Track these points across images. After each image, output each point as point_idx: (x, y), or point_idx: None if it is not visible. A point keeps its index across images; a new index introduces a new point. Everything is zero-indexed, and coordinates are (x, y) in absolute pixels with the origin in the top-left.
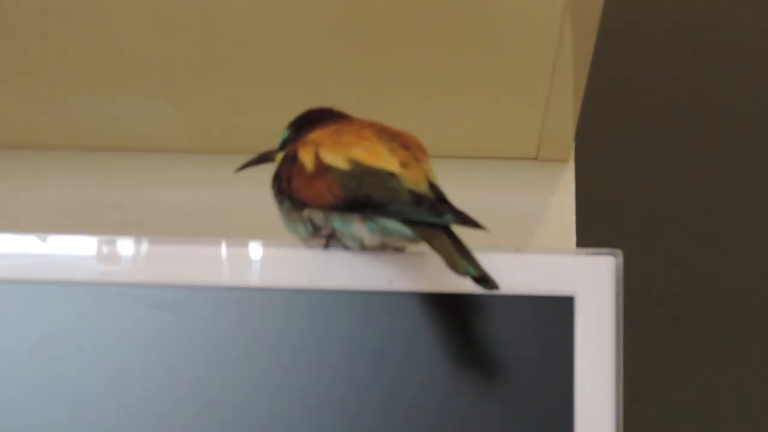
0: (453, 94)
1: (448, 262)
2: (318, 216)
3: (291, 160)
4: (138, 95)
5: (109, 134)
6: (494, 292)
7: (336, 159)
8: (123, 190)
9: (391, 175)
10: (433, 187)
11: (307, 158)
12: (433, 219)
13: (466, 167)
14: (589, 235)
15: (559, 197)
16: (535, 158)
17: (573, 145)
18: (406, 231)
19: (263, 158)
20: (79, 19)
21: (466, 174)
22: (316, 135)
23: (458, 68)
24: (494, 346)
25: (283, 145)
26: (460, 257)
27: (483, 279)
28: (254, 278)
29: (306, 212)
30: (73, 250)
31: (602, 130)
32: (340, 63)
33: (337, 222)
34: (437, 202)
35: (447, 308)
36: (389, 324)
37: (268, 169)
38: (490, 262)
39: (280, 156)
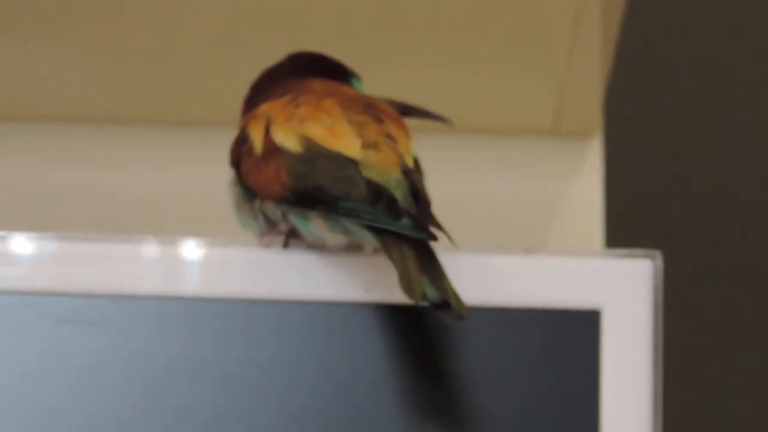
0: (449, 55)
1: (402, 280)
2: (271, 208)
3: (241, 138)
4: (36, 49)
5: (13, 100)
6: (459, 321)
7: (288, 138)
8: (20, 171)
9: (349, 160)
10: (408, 175)
11: (256, 136)
12: (385, 223)
13: (464, 143)
14: (620, 231)
15: (582, 181)
16: (553, 132)
17: (601, 115)
18: (367, 234)
19: None
20: None
21: (464, 151)
22: (269, 106)
23: (458, 24)
24: (498, 374)
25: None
26: (420, 275)
27: (446, 305)
28: (193, 286)
29: (257, 203)
30: None
31: (638, 97)
32: (327, 19)
33: (294, 217)
34: (399, 199)
35: (435, 323)
36: (364, 342)
37: (215, 143)
38: (492, 265)
39: None
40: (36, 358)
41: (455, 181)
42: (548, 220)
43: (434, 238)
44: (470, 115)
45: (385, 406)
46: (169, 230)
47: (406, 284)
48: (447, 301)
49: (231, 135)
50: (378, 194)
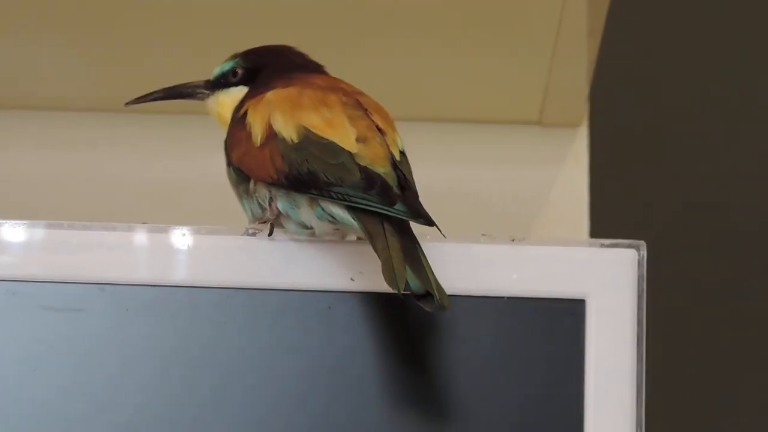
0: (435, 44)
1: (385, 269)
2: (262, 193)
3: (239, 121)
4: (30, 40)
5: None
6: (440, 312)
7: (286, 126)
8: (9, 159)
9: (343, 150)
10: (396, 167)
11: (257, 123)
12: (380, 207)
13: (450, 132)
14: (605, 221)
15: (568, 171)
16: (539, 122)
17: (587, 106)
18: (352, 222)
19: (179, 93)
20: None
21: (450, 141)
22: (274, 94)
23: (443, 13)
24: (481, 362)
25: (221, 80)
26: (403, 265)
27: (428, 296)
28: (180, 274)
29: (252, 186)
30: None
31: (624, 88)
32: (319, 10)
33: (283, 203)
34: (393, 186)
35: (420, 313)
36: (351, 331)
37: (206, 128)
38: (478, 255)
39: (222, 100)
40: (24, 345)
41: (441, 170)
42: (534, 210)
43: (432, 222)
44: (457, 106)
45: (369, 393)
46: (155, 218)
47: (389, 274)
48: (429, 292)
49: (199, 123)
50: (372, 180)
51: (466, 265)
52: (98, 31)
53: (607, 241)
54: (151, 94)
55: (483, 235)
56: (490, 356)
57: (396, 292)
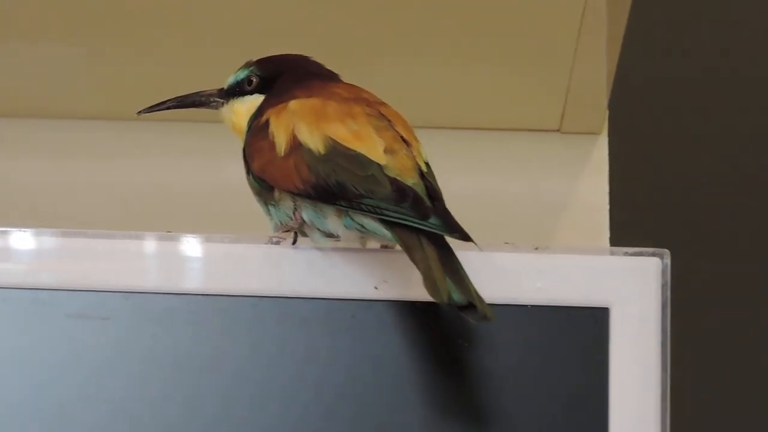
0: (457, 53)
1: (426, 281)
2: (287, 202)
3: (261, 130)
4: (46, 49)
5: (13, 96)
6: (484, 323)
7: (312, 137)
8: (28, 167)
9: (372, 162)
10: (424, 178)
11: (280, 133)
12: (415, 221)
13: (470, 140)
14: (626, 229)
15: (588, 180)
16: (558, 130)
17: (606, 114)
18: (386, 233)
19: (192, 102)
20: None
21: (470, 148)
22: (298, 104)
23: (465, 22)
24: (505, 371)
25: (236, 88)
26: (444, 276)
27: (471, 307)
28: (204, 282)
29: (276, 195)
30: None
31: (643, 97)
32: (330, 13)
33: (309, 213)
34: (425, 199)
35: (445, 321)
36: (375, 340)
37: (221, 137)
38: (501, 263)
39: (237, 109)
40: (50, 353)
41: (462, 178)
42: (554, 218)
43: (467, 237)
44: (477, 113)
45: (394, 402)
46: (177, 227)
47: (432, 286)
48: (472, 303)
49: (222, 131)
50: (403, 193)
51: (490, 273)
52: (114, 41)
53: (631, 250)
54: (164, 103)
55: (506, 243)
56: (515, 365)
57: (439, 303)
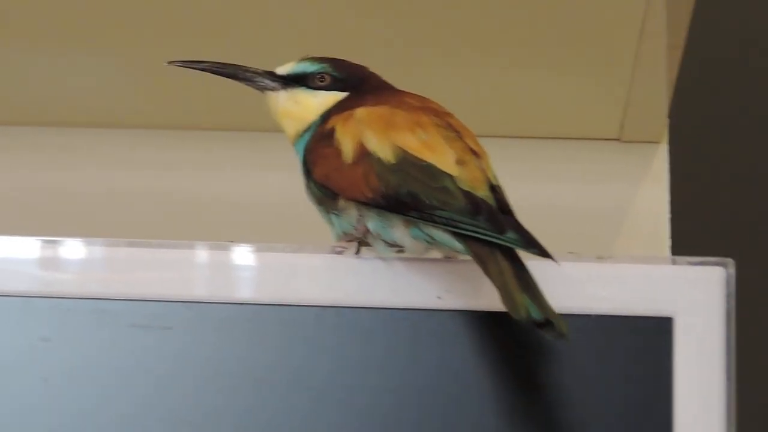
0: (517, 62)
1: (504, 297)
2: (351, 211)
3: (325, 137)
4: (88, 57)
5: (56, 105)
6: (561, 340)
7: (381, 146)
8: (82, 174)
9: (444, 173)
10: (494, 190)
11: (347, 140)
12: (491, 236)
13: (530, 149)
14: (687, 239)
15: (648, 188)
16: (618, 139)
17: (666, 122)
18: (457, 245)
19: (234, 73)
20: None
21: (530, 157)
22: (365, 112)
23: (521, 29)
24: (569, 380)
25: (299, 79)
26: (521, 292)
27: (548, 324)
28: (265, 293)
29: (341, 204)
30: (13, 254)
31: (704, 105)
32: (384, 24)
33: (374, 222)
34: (498, 212)
35: (508, 331)
36: (437, 349)
37: (275, 147)
38: (565, 272)
39: (304, 100)
40: (112, 363)
41: (522, 187)
42: (614, 227)
43: (546, 253)
44: (537, 122)
45: (454, 410)
46: (236, 237)
47: (509, 302)
48: (551, 320)
49: (279, 141)
50: (477, 205)
51: (554, 282)
52: (156, 54)
53: (695, 259)
54: (201, 62)
55: (570, 252)
56: (579, 374)
57: (516, 319)
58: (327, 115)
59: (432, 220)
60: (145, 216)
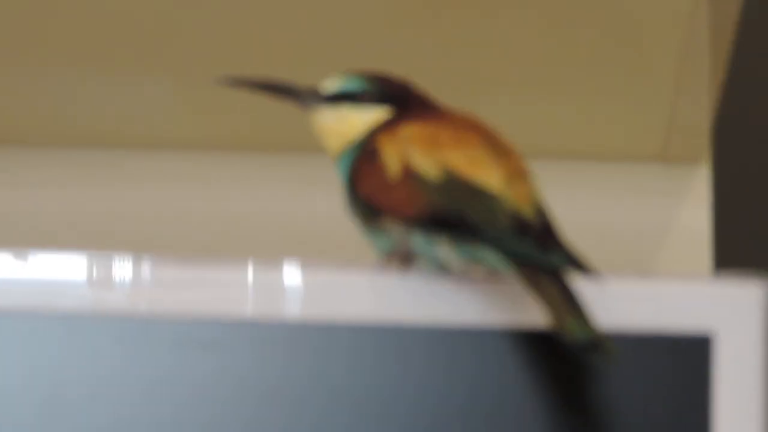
0: (559, 82)
1: (552, 318)
2: (395, 229)
3: (369, 155)
4: (142, 79)
5: (112, 127)
6: (608, 362)
7: (427, 165)
8: (134, 195)
9: (491, 192)
10: (540, 213)
11: (392, 159)
12: (539, 258)
13: (572, 169)
14: (728, 257)
15: (690, 207)
16: (661, 157)
17: (708, 141)
18: (502, 265)
19: (283, 91)
20: None
21: (572, 177)
22: (410, 130)
23: (563, 49)
24: (610, 398)
25: (343, 96)
26: (568, 313)
27: (596, 345)
28: (308, 310)
29: (384, 222)
30: (61, 272)
31: (746, 124)
32: (439, 48)
33: (418, 240)
34: (544, 232)
35: (550, 350)
36: (480, 369)
37: (313, 165)
38: (605, 291)
39: (349, 117)
40: (162, 381)
41: (566, 206)
42: (656, 246)
43: (593, 275)
44: (579, 141)
45: (493, 425)
46: (278, 254)
47: (558, 324)
48: (599, 341)
49: (323, 161)
50: (525, 226)
51: (596, 300)
52: (203, 75)
53: (735, 276)
54: (252, 80)
55: (610, 270)
56: (622, 392)
57: (567, 339)
58: (371, 133)
59: (477, 240)
60: (192, 235)
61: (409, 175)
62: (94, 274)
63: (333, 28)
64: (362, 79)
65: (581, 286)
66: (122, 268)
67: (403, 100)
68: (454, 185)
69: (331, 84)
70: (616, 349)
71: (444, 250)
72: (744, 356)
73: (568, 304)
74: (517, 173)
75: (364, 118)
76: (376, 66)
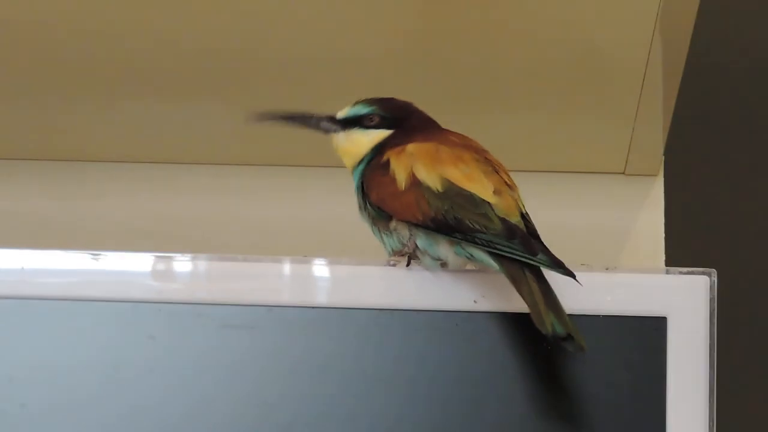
0: (539, 107)
1: (533, 314)
2: (403, 231)
3: (381, 167)
4: (192, 103)
5: (168, 145)
6: (579, 353)
7: (430, 176)
8: (188, 203)
9: (484, 201)
10: (525, 218)
11: (400, 170)
12: (525, 257)
13: (550, 181)
14: (678, 254)
15: (647, 213)
16: (623, 173)
17: (662, 159)
18: (493, 264)
19: (304, 121)
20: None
21: (550, 188)
22: (415, 147)
23: (544, 80)
24: (582, 369)
25: (353, 121)
26: (548, 310)
27: (569, 338)
28: (333, 297)
29: (393, 224)
30: (129, 268)
31: (693, 143)
32: (412, 71)
33: (422, 240)
34: (528, 236)
35: (533, 329)
36: (472, 345)
37: (334, 177)
38: (578, 282)
39: (358, 138)
40: (208, 357)
41: (543, 213)
42: (619, 245)
43: (571, 273)
44: (556, 158)
45: (488, 398)
46: (308, 253)
47: (538, 318)
48: (572, 334)
49: (343, 174)
50: (512, 230)
51: (569, 289)
52: (248, 101)
53: (685, 269)
54: (276, 116)
55: (582, 264)
56: (593, 363)
57: (544, 333)
58: (378, 149)
59: (473, 241)
60: (235, 237)
61: (415, 185)
62: (158, 269)
63: (349, 64)
64: (368, 105)
65: (559, 280)
66: (180, 266)
67: (405, 119)
68: (453, 194)
69: (345, 110)
70: (585, 343)
71: (444, 248)
72: (692, 334)
73: (547, 300)
74: (506, 185)
75: (370, 138)
76: (383, 92)
